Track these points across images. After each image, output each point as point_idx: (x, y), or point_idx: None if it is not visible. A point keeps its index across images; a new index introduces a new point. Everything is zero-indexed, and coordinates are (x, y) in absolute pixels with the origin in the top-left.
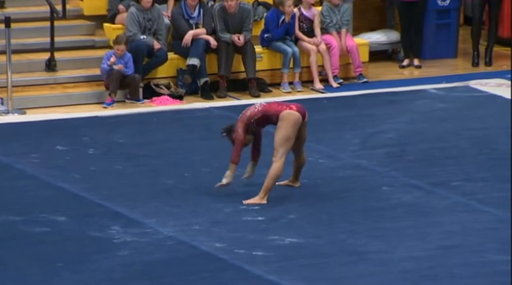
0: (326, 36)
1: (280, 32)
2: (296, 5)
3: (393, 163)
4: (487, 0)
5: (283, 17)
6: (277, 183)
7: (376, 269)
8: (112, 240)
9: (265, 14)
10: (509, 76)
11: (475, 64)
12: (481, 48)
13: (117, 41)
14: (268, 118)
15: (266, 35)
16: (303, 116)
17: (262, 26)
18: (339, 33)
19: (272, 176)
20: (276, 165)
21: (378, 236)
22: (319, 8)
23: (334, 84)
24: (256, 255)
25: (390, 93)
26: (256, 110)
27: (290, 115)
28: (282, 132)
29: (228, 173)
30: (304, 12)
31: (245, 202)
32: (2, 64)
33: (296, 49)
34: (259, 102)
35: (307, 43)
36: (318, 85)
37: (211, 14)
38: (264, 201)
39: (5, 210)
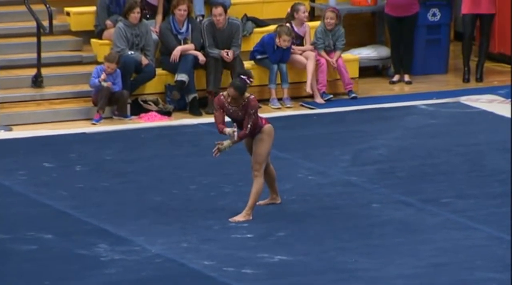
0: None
1: (277, 56)
2: (288, 21)
3: (383, 179)
4: (478, 16)
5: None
6: (257, 203)
7: None
8: (99, 258)
9: (254, 30)
10: (500, 92)
11: (466, 80)
12: (472, 64)
13: (108, 58)
14: (256, 128)
15: (258, 57)
16: None
17: (251, 41)
18: (327, 52)
19: (258, 192)
20: (260, 180)
21: (368, 254)
22: (310, 24)
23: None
24: (245, 273)
25: (380, 109)
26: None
27: (272, 130)
28: (266, 146)
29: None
30: (296, 29)
31: (231, 219)
32: None
33: (282, 64)
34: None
35: (300, 54)
36: (319, 99)
37: (199, 29)
38: (250, 217)
39: None
